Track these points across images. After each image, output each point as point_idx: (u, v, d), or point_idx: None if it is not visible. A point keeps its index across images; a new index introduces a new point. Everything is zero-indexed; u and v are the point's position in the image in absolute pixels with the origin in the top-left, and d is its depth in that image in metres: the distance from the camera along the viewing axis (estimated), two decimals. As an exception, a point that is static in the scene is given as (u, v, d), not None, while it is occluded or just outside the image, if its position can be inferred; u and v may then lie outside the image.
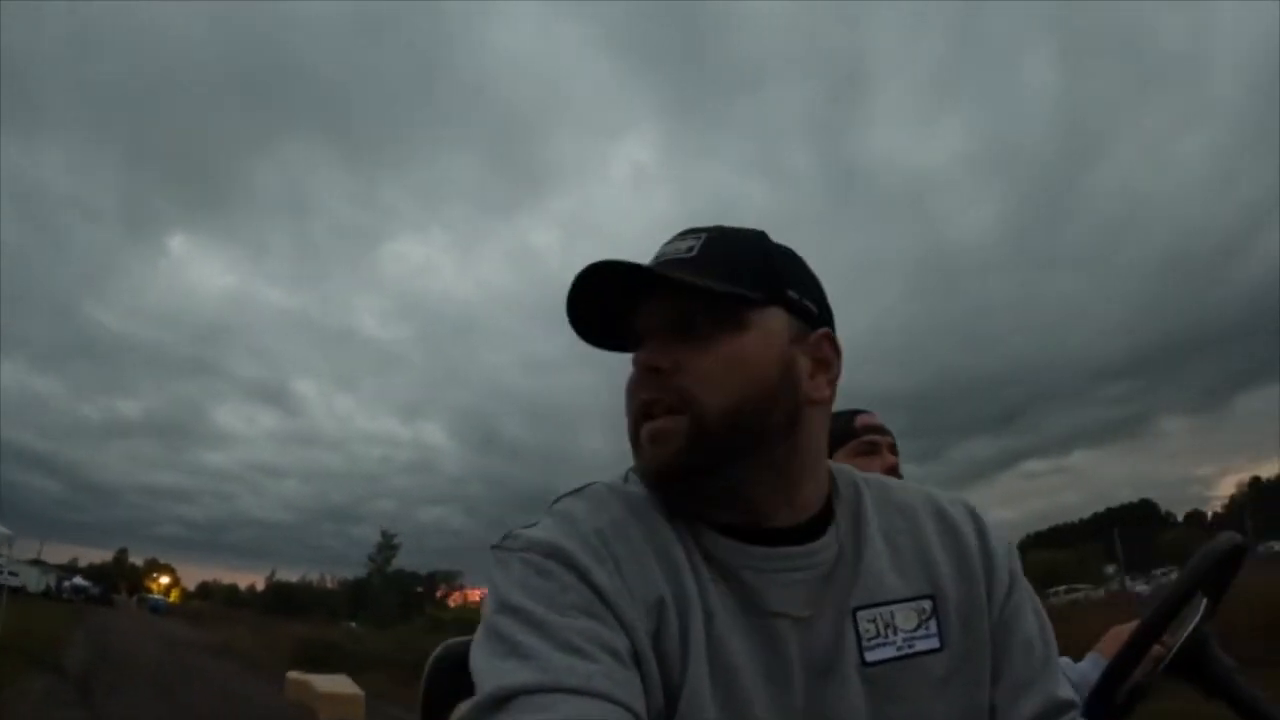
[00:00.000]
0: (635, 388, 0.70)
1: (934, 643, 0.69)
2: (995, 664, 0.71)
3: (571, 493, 0.73)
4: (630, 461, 0.75)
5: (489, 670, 0.58)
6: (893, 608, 0.69)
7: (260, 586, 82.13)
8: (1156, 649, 1.10)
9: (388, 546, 51.05)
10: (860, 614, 0.68)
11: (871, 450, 1.48)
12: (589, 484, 0.74)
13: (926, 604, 0.70)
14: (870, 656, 0.67)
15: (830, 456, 1.10)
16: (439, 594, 55.32)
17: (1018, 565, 0.77)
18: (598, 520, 0.67)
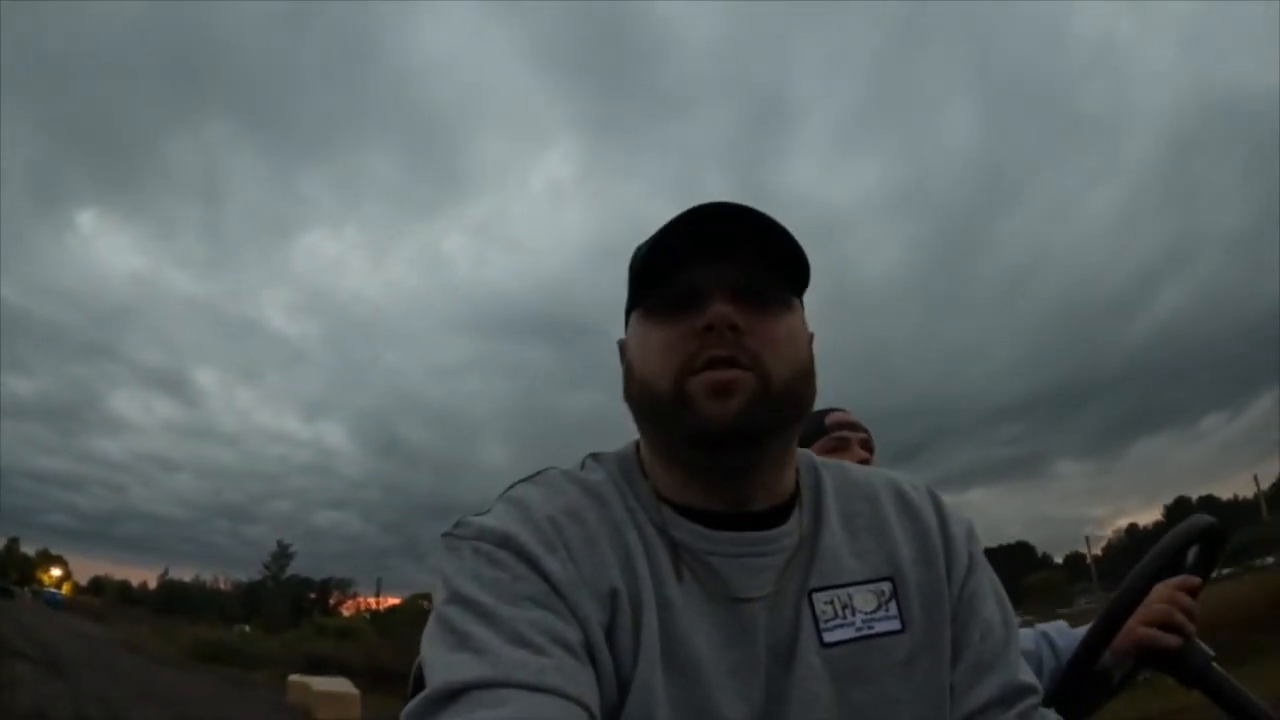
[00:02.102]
0: (696, 343, 0.67)
1: (895, 624, 0.68)
2: (955, 646, 0.70)
3: (526, 479, 0.72)
4: (589, 449, 0.75)
5: (439, 663, 0.57)
6: (850, 590, 0.69)
7: (152, 584, 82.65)
8: (1135, 635, 1.10)
9: (283, 555, 54.52)
10: (816, 595, 0.68)
11: (841, 446, 1.50)
12: (545, 469, 0.74)
13: (886, 586, 0.70)
14: (828, 637, 0.66)
15: None
16: (332, 601, 58.34)
17: (978, 548, 0.76)
18: (551, 507, 0.67)
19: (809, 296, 0.76)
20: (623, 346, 0.79)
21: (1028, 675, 0.71)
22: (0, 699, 10.48)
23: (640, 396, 0.71)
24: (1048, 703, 0.88)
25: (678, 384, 0.67)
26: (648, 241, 0.72)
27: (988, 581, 0.75)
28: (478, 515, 0.68)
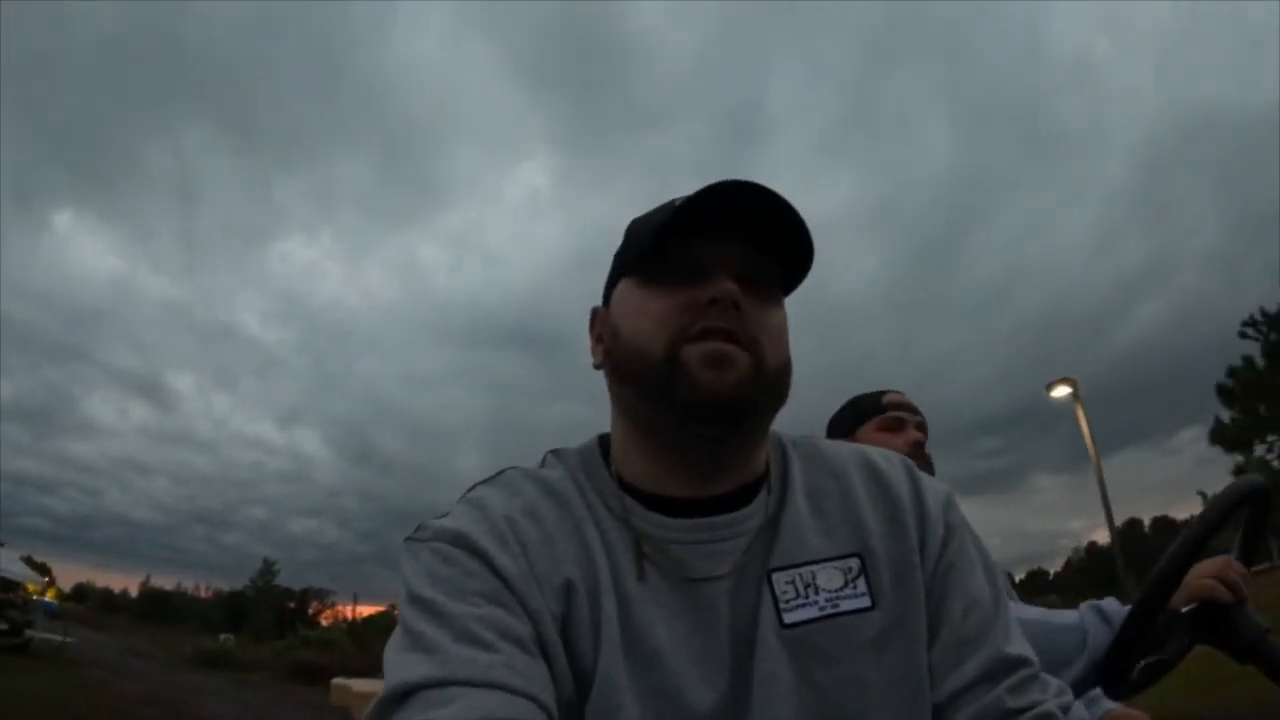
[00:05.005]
0: (697, 314, 0.67)
1: (863, 602, 0.66)
2: (934, 620, 0.68)
3: (485, 480, 0.73)
4: (551, 445, 0.76)
5: (393, 664, 0.58)
6: (813, 568, 0.67)
7: (132, 590, 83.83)
8: (1192, 589, 1.06)
9: (268, 571, 57.90)
10: (776, 575, 0.67)
11: (897, 426, 1.46)
12: (504, 470, 0.74)
13: (853, 562, 0.68)
14: (789, 618, 0.65)
15: (854, 432, 1.41)
16: (311, 611, 61.15)
17: (956, 517, 0.74)
18: (508, 505, 0.68)
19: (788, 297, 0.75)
20: (597, 314, 0.79)
21: (1019, 647, 0.68)
22: (104, 693, 14.34)
23: (628, 363, 0.70)
24: (1099, 673, 0.94)
25: (671, 351, 0.67)
26: (661, 210, 0.72)
27: (972, 551, 0.72)
28: (437, 518, 0.68)
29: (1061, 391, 14.62)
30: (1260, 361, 23.69)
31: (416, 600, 0.62)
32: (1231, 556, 1.13)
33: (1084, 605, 1.20)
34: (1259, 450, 23.28)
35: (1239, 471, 23.22)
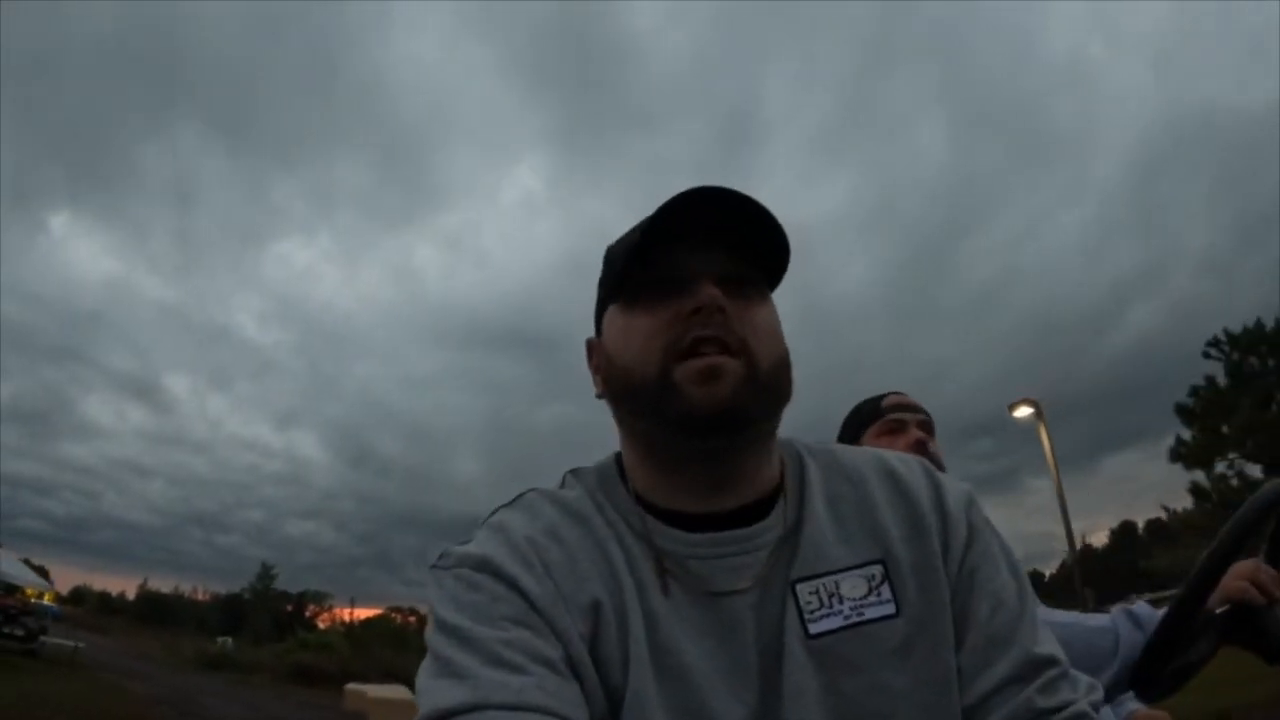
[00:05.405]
0: (683, 326, 0.67)
1: (888, 609, 0.66)
2: (960, 623, 0.67)
3: (506, 504, 0.74)
4: (560, 460, 0.95)
5: (425, 691, 0.59)
6: (837, 577, 0.67)
7: (130, 593, 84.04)
8: (1226, 590, 1.08)
9: (266, 576, 58.78)
10: (800, 586, 0.67)
11: (898, 428, 1.45)
12: (524, 493, 0.74)
13: (876, 569, 0.68)
14: (814, 628, 0.65)
15: (858, 438, 1.40)
16: (308, 613, 61.90)
17: (979, 517, 0.73)
18: (530, 528, 0.68)
19: (778, 295, 0.75)
20: (592, 345, 0.80)
21: (1048, 646, 0.67)
22: (120, 695, 15.12)
23: (622, 384, 0.71)
24: (1132, 677, 0.97)
25: (664, 370, 0.67)
26: (633, 231, 0.72)
27: (997, 551, 0.72)
28: (460, 545, 0.69)
29: (1024, 412, 14.75)
30: (1223, 381, 24.68)
31: (444, 627, 0.63)
32: (1260, 559, 1.15)
33: (1116, 609, 1.23)
34: (1220, 467, 24.15)
35: (1195, 490, 24.11)
